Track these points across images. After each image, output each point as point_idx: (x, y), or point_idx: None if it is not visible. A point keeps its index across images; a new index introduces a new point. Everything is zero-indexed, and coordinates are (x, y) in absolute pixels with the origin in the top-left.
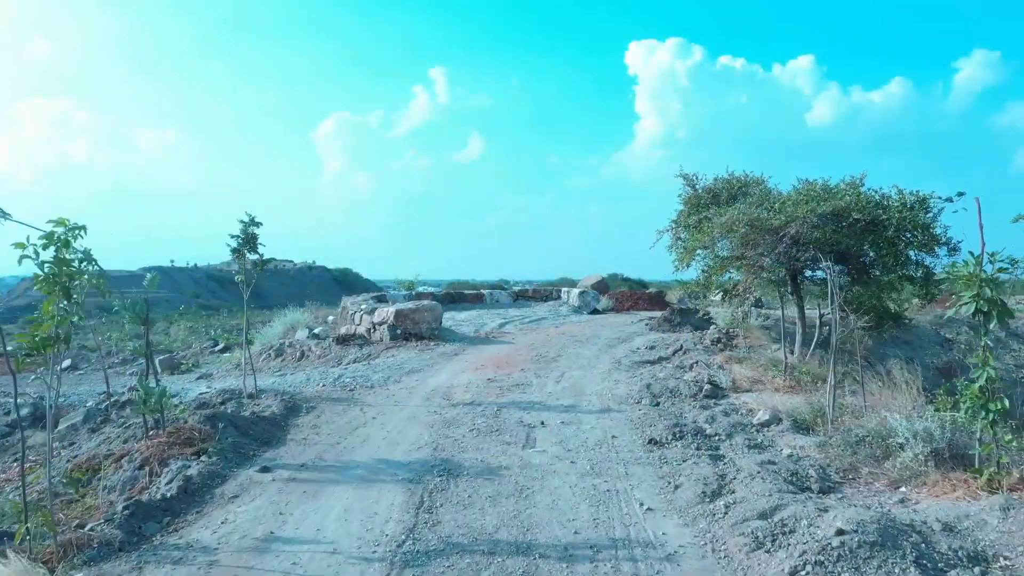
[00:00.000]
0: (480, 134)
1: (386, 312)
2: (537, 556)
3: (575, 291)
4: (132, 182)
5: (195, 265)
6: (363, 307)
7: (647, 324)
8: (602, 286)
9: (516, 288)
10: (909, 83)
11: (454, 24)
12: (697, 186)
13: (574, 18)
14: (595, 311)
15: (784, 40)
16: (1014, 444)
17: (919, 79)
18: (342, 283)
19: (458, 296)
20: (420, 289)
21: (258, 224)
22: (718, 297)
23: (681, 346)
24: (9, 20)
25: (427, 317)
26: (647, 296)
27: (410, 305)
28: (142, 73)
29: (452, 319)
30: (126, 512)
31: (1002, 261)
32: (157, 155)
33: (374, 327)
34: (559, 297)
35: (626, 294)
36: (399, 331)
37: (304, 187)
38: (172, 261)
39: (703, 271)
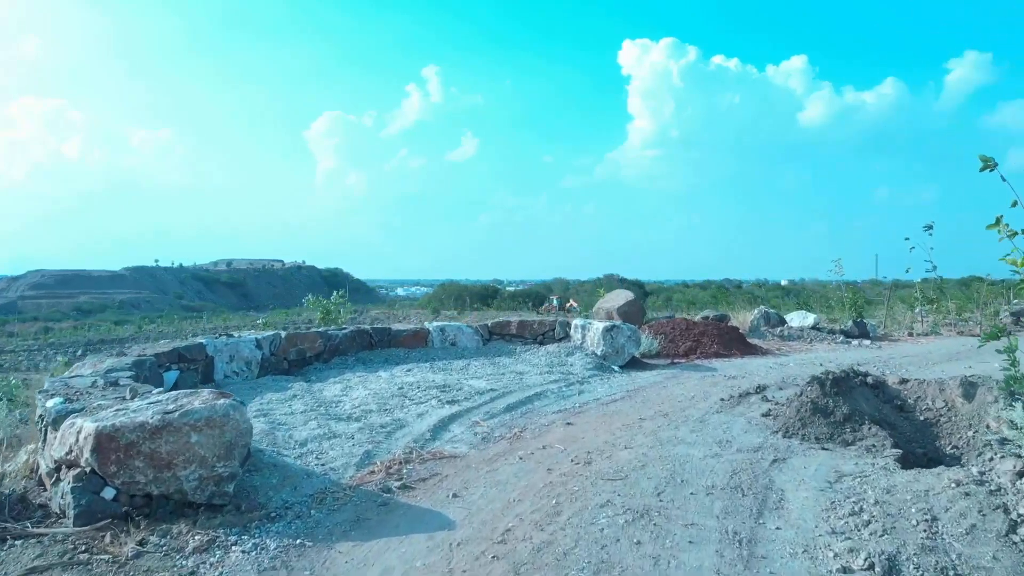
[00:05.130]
0: (474, 133)
1: (76, 438)
2: None
3: (597, 326)
4: (125, 181)
5: (180, 265)
6: (50, 405)
7: (766, 414)
8: (635, 311)
9: (513, 299)
10: (901, 83)
11: (447, 23)
12: None
13: (568, 17)
14: (633, 361)
15: (778, 40)
16: None
17: (911, 79)
18: (332, 283)
19: (379, 338)
20: (352, 321)
21: None
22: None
23: None
24: (1, 19)
25: (197, 449)
26: (713, 329)
27: (149, 419)
28: (135, 72)
29: (336, 403)
30: None
31: None
32: (150, 154)
33: (59, 471)
34: (565, 336)
35: (680, 325)
36: (116, 493)
37: (297, 186)
38: (156, 261)
39: None
